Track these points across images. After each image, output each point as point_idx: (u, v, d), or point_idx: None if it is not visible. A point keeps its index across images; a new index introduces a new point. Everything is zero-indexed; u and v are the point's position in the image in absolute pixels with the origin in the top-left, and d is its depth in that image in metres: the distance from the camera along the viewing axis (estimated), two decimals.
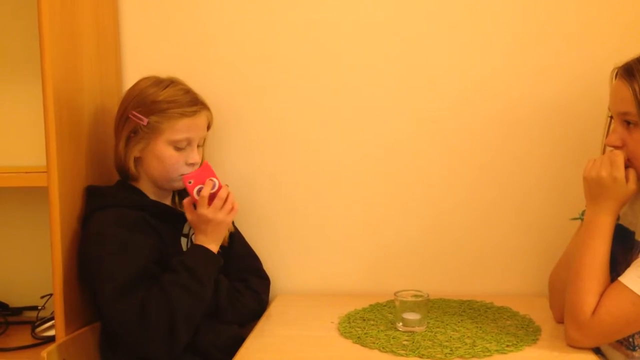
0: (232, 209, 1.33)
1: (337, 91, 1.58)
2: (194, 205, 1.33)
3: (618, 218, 1.25)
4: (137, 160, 1.38)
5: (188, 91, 1.38)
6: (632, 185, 1.20)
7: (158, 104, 1.33)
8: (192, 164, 1.38)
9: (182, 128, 1.35)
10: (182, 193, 1.48)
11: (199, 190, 1.31)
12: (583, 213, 1.30)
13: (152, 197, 1.40)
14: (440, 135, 1.57)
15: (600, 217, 1.21)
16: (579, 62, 1.52)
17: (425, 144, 1.58)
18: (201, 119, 1.39)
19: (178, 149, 1.36)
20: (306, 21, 1.58)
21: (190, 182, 1.31)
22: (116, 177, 1.43)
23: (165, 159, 1.35)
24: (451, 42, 1.55)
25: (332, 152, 1.60)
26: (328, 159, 1.60)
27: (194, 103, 1.37)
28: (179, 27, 1.60)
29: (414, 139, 1.58)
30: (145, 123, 1.33)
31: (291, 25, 1.58)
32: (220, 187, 1.33)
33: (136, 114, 1.33)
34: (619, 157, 1.20)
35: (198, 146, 1.41)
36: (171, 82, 1.38)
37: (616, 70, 1.24)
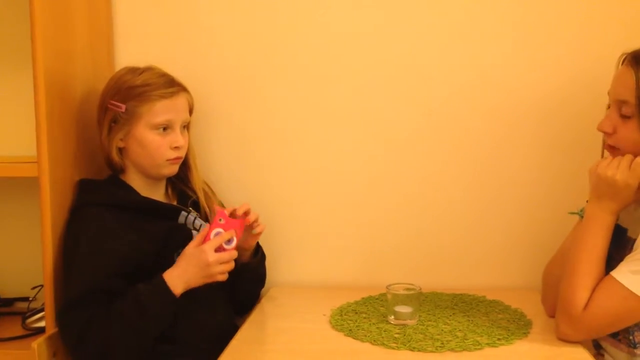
0: (224, 273, 1.26)
1: (334, 86, 1.57)
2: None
3: None
4: (122, 150, 1.36)
5: (164, 74, 1.37)
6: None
7: (134, 88, 1.33)
8: (177, 148, 1.36)
9: (161, 110, 1.33)
10: (175, 183, 1.47)
11: (217, 234, 1.26)
12: (582, 210, 1.29)
13: (143, 191, 1.39)
14: (435, 129, 1.57)
15: (603, 215, 1.21)
16: (579, 57, 1.51)
17: (420, 138, 1.57)
18: (180, 100, 1.37)
19: (160, 132, 1.34)
20: (301, 15, 1.56)
21: (220, 220, 1.27)
22: (108, 169, 1.43)
23: (148, 143, 1.33)
24: (449, 37, 1.54)
25: (327, 146, 1.59)
26: (322, 153, 1.59)
27: (170, 85, 1.36)
28: (173, 15, 1.58)
29: (409, 133, 1.57)
30: (123, 110, 1.32)
31: (286, 17, 1.57)
32: (234, 248, 1.27)
33: (114, 102, 1.33)
34: None
35: (184, 129, 1.40)
36: (147, 68, 1.37)
37: (624, 56, 1.23)
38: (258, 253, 1.47)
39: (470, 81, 1.55)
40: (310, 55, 1.57)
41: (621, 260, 1.19)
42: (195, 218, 1.42)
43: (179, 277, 1.24)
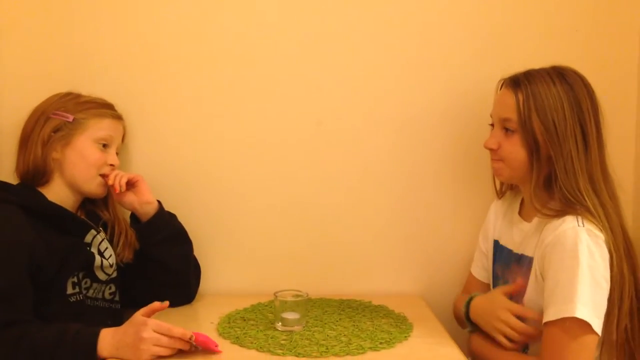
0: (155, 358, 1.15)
1: (219, 93, 1.58)
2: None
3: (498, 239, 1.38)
4: (55, 162, 1.37)
5: (106, 102, 1.46)
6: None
7: (82, 104, 1.40)
8: (112, 166, 1.42)
9: (107, 126, 1.41)
10: (86, 204, 1.45)
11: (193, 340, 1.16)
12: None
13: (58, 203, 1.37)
14: (325, 137, 1.60)
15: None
16: (465, 68, 1.58)
17: (310, 145, 1.60)
18: (120, 126, 1.46)
19: (100, 147, 1.39)
20: (193, 18, 1.56)
21: (191, 338, 1.16)
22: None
23: (89, 155, 1.38)
24: (340, 45, 1.58)
25: (215, 152, 1.59)
26: (210, 159, 1.59)
27: (113, 109, 1.46)
28: (54, 23, 1.54)
29: (299, 140, 1.60)
30: (71, 120, 1.37)
31: (172, 26, 1.56)
32: (177, 346, 1.16)
33: (60, 112, 1.37)
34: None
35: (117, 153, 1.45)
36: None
37: (502, 81, 1.35)
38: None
39: (359, 92, 1.59)
40: (210, 67, 1.57)
41: (510, 280, 1.29)
42: (102, 239, 1.42)
43: (113, 338, 1.17)
